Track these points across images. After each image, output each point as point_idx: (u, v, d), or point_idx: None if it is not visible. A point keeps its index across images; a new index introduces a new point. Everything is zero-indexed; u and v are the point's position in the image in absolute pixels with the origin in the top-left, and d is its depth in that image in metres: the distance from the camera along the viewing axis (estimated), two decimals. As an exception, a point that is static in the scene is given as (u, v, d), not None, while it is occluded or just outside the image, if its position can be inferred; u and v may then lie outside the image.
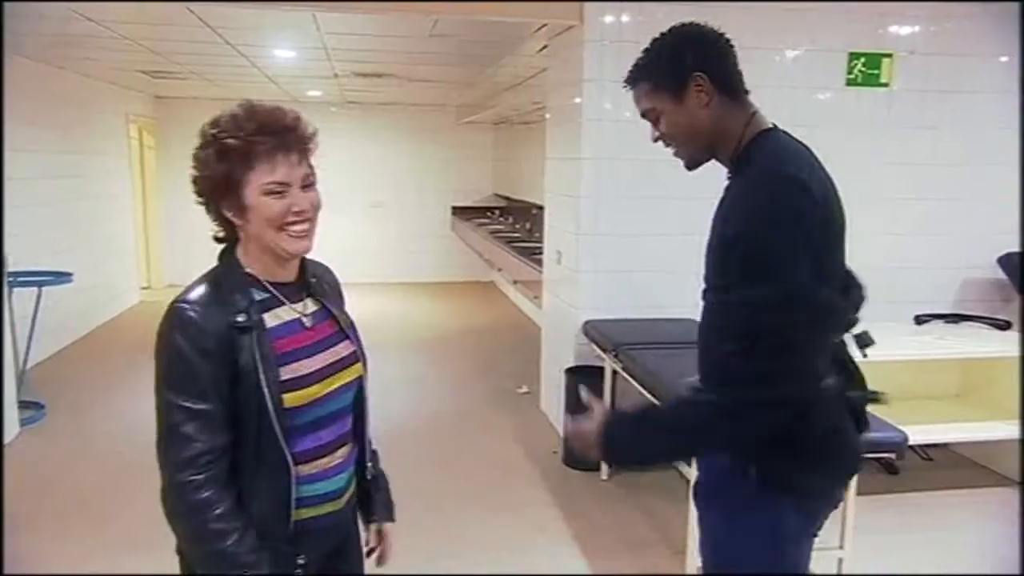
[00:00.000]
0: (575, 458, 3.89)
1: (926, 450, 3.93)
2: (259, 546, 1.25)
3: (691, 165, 1.58)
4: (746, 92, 1.51)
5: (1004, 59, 4.21)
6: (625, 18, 3.83)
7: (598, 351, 3.77)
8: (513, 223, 8.41)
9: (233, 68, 6.14)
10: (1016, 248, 4.17)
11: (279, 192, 1.27)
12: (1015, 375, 3.71)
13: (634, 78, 1.55)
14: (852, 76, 4.04)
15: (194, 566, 1.30)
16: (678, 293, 3.98)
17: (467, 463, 4.03)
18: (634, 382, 3.28)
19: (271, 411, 1.25)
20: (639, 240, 4.01)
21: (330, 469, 1.38)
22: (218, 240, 1.36)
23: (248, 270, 1.32)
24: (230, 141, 1.24)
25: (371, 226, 9.47)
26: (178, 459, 1.22)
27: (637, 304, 3.98)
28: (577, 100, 3.94)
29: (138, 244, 8.34)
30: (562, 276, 4.31)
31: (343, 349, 1.40)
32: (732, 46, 1.50)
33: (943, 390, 4.06)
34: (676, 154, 1.58)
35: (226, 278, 1.31)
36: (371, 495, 1.53)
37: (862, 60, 4.03)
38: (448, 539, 3.16)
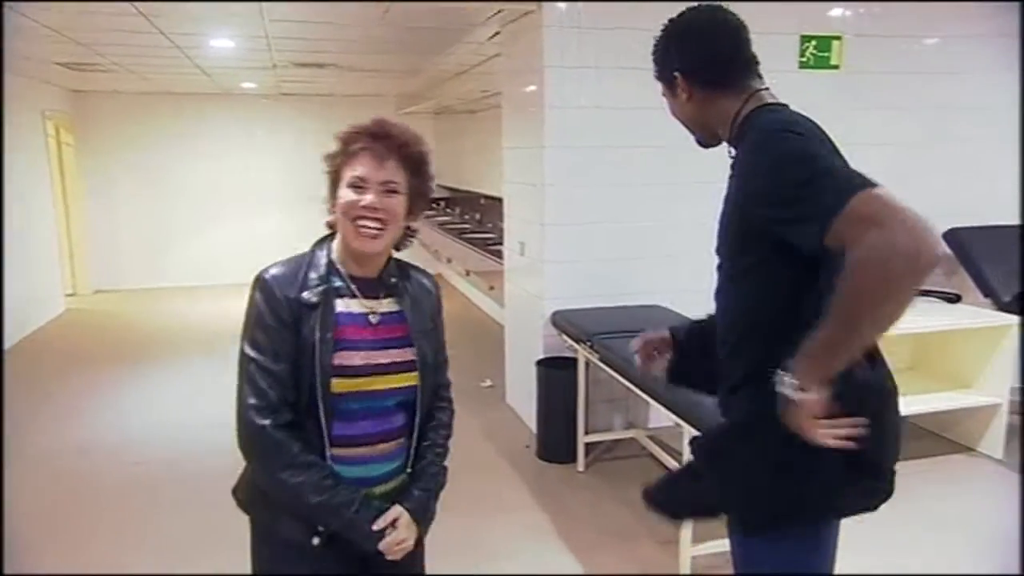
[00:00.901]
0: (550, 451, 3.85)
1: (885, 422, 4.05)
2: (329, 480, 1.39)
3: (702, 145, 1.64)
4: (749, 73, 1.50)
5: (930, 41, 4.35)
6: (582, 3, 3.77)
7: (570, 341, 3.73)
8: (461, 214, 8.30)
9: (163, 60, 5.78)
10: (961, 224, 4.34)
11: (359, 187, 1.41)
12: (965, 346, 3.87)
13: (653, 64, 1.64)
14: (804, 59, 4.10)
15: (265, 502, 1.45)
16: (646, 280, 3.98)
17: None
18: (612, 371, 3.24)
19: (319, 390, 1.37)
20: (605, 228, 3.97)
21: (370, 459, 1.47)
22: (329, 227, 1.50)
23: (332, 258, 1.46)
24: (343, 138, 1.44)
25: (308, 220, 9.04)
26: (256, 406, 1.36)
27: (605, 292, 3.95)
28: (537, 87, 3.86)
29: (61, 249, 7.82)
30: (526, 267, 4.24)
31: (404, 354, 1.47)
32: (733, 36, 1.51)
33: (896, 363, 4.16)
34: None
35: (309, 260, 1.46)
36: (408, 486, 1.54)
37: (813, 43, 4.10)
38: (427, 550, 3.05)
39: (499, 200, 4.97)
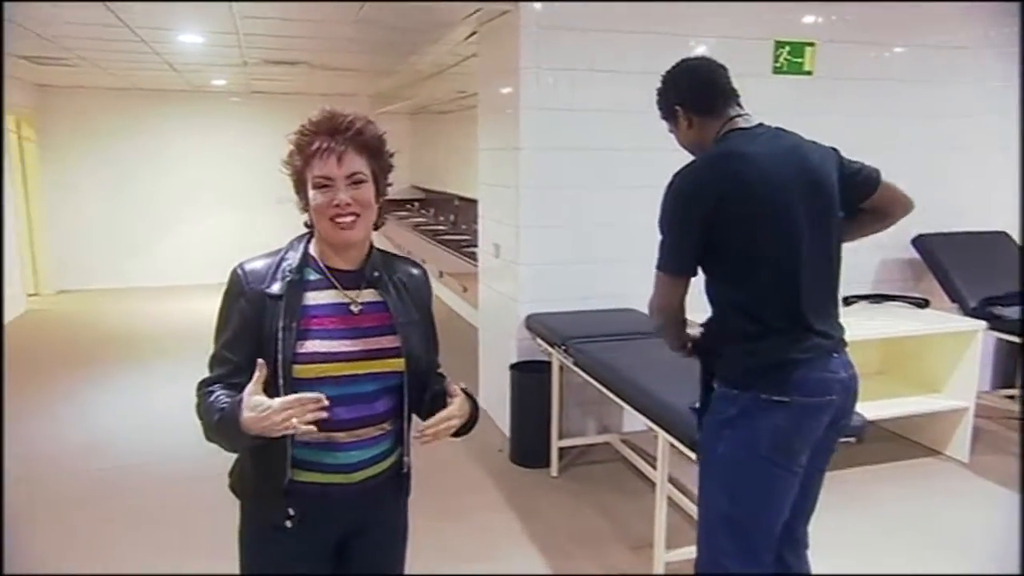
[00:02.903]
0: (523, 455, 3.82)
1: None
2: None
3: None
4: (729, 101, 1.92)
5: (899, 49, 4.41)
6: (559, 5, 3.75)
7: (544, 345, 3.70)
8: (436, 215, 8.24)
9: (130, 55, 5.65)
10: (928, 230, 4.40)
11: (325, 186, 1.43)
12: (933, 351, 3.92)
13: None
14: (778, 64, 4.13)
15: (246, 488, 1.54)
16: (621, 283, 3.97)
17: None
18: (586, 376, 3.22)
19: (280, 375, 1.40)
20: (579, 231, 3.96)
21: (344, 444, 1.48)
22: (308, 227, 1.53)
23: (311, 252, 1.50)
24: (298, 142, 1.45)
25: (277, 222, 8.96)
26: (200, 381, 1.46)
27: (580, 296, 3.93)
28: (512, 89, 3.83)
29: (22, 247, 7.61)
30: (500, 269, 4.21)
31: (387, 342, 1.50)
32: (712, 73, 1.94)
33: (866, 368, 4.17)
34: None
35: (285, 254, 1.50)
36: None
37: (787, 48, 4.12)
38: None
39: (474, 201, 4.93)
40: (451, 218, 7.70)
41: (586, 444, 3.98)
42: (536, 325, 3.78)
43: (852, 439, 2.88)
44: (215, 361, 1.47)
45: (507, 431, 4.00)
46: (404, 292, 1.56)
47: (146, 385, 5.19)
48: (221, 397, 1.41)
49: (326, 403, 1.33)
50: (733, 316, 1.86)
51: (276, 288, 1.44)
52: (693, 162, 1.88)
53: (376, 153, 1.48)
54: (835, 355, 1.86)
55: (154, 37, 4.96)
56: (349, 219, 1.43)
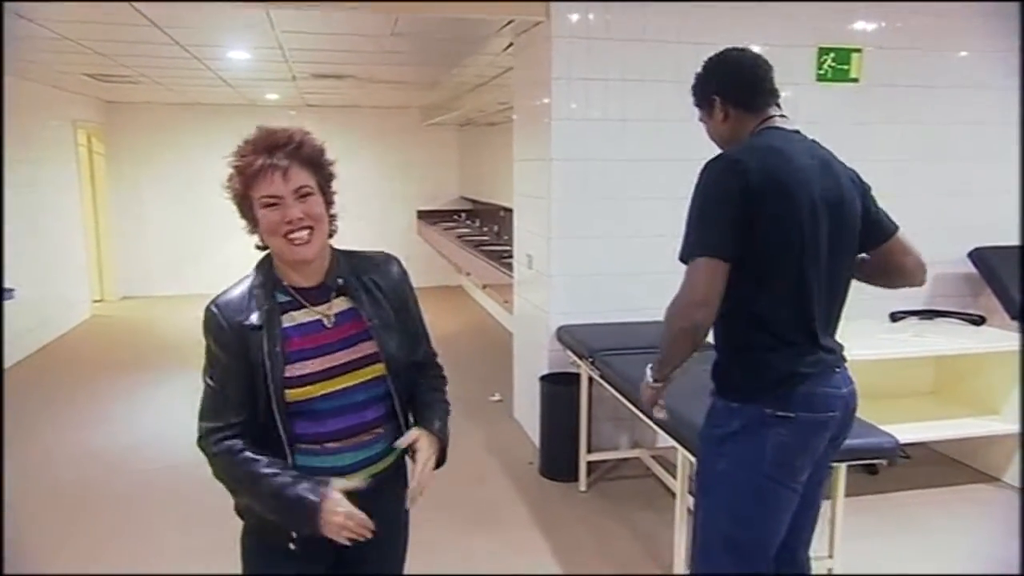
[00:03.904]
0: (552, 469, 3.77)
1: (904, 448, 3.88)
2: (285, 465, 1.44)
3: None
4: (770, 100, 1.83)
5: (964, 54, 4.21)
6: (592, 15, 3.73)
7: (573, 357, 3.65)
8: (480, 226, 8.28)
9: (186, 71, 5.89)
10: (986, 243, 4.17)
11: (273, 204, 1.41)
12: (991, 371, 3.69)
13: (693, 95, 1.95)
14: (822, 71, 3.99)
15: (257, 513, 1.48)
16: (652, 295, 3.83)
17: (439, 476, 3.86)
18: (612, 389, 3.16)
19: (274, 402, 1.41)
20: (611, 242, 3.90)
21: (337, 450, 1.49)
22: (260, 249, 1.51)
23: (276, 275, 1.49)
24: (237, 163, 1.43)
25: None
26: (206, 430, 1.45)
27: (611, 308, 3.87)
28: (545, 100, 3.81)
29: (89, 256, 7.98)
30: (533, 280, 4.18)
31: (366, 348, 1.50)
32: (756, 68, 1.84)
33: (919, 387, 4.03)
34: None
35: (254, 282, 1.48)
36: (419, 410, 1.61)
37: (832, 55, 3.99)
38: (418, 561, 2.99)
39: (515, 212, 4.92)
40: (495, 229, 7.72)
41: (617, 459, 3.90)
42: (567, 336, 3.73)
43: (882, 462, 2.76)
44: (212, 402, 1.46)
45: (538, 443, 3.95)
46: (377, 292, 1.54)
47: (197, 386, 5.34)
48: (275, 468, 1.41)
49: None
50: (741, 324, 1.76)
51: (255, 318, 1.43)
52: (728, 151, 1.77)
53: (318, 165, 1.47)
54: (837, 370, 1.79)
55: (204, 54, 5.15)
56: (304, 234, 1.42)
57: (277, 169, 1.40)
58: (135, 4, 3.55)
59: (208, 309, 1.46)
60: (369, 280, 1.55)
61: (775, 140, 1.75)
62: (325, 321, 1.48)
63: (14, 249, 5.92)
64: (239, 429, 1.44)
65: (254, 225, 1.45)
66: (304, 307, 1.48)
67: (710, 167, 1.71)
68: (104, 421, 4.73)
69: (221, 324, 1.44)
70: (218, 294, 1.48)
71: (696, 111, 1.95)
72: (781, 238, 1.68)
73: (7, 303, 4.56)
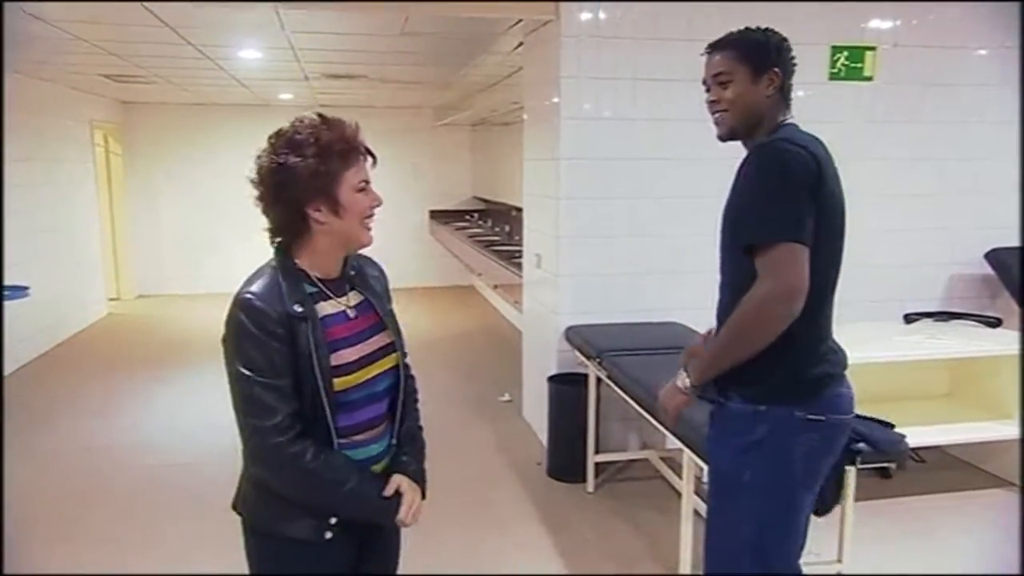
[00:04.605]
0: (560, 469, 3.76)
1: (918, 452, 3.83)
2: (349, 464, 1.47)
3: (726, 136, 1.80)
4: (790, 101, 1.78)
5: (983, 52, 4.14)
6: (603, 14, 3.70)
7: (581, 358, 3.64)
8: (492, 226, 8.27)
9: (199, 71, 5.93)
10: (1003, 244, 4.10)
11: (365, 188, 1.46)
12: (1007, 374, 3.62)
13: (722, 45, 1.79)
14: (835, 70, 3.94)
15: (268, 504, 1.47)
16: (661, 296, 3.86)
17: (447, 476, 3.82)
18: (619, 390, 3.14)
19: (323, 392, 1.40)
20: (620, 242, 3.88)
21: (370, 441, 1.53)
22: (274, 239, 1.49)
23: (302, 266, 1.47)
24: (332, 142, 1.40)
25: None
26: (265, 427, 1.37)
27: (620, 308, 3.84)
28: (555, 99, 3.80)
29: (105, 254, 8.06)
30: (542, 280, 4.17)
31: (383, 339, 1.55)
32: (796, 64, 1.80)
33: (933, 390, 3.96)
34: (717, 120, 1.79)
35: (279, 273, 1.44)
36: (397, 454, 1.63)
37: (845, 53, 3.94)
38: (425, 559, 2.98)
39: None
40: (506, 228, 7.70)
41: (625, 460, 3.88)
42: (575, 337, 3.71)
43: (892, 465, 2.71)
44: (260, 392, 1.37)
45: (546, 443, 3.94)
46: (377, 286, 1.61)
47: (210, 384, 5.37)
48: (345, 466, 1.46)
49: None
50: None
51: (298, 307, 1.41)
52: (789, 137, 1.67)
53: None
54: (844, 370, 1.77)
55: (216, 54, 5.19)
56: (373, 221, 1.49)
57: (367, 154, 1.47)
58: (145, 4, 3.57)
59: (244, 299, 1.39)
60: (368, 273, 1.61)
61: (814, 137, 1.72)
62: (349, 312, 1.51)
63: (32, 247, 6.01)
64: (298, 424, 1.40)
65: (326, 209, 1.41)
66: (330, 298, 1.49)
67: (776, 152, 1.62)
68: (115, 417, 4.77)
69: (267, 312, 1.38)
70: (243, 286, 1.43)
71: (700, 73, 1.84)
72: (828, 232, 1.65)
73: (24, 301, 4.61)
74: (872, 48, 3.97)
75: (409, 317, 7.81)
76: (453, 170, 9.56)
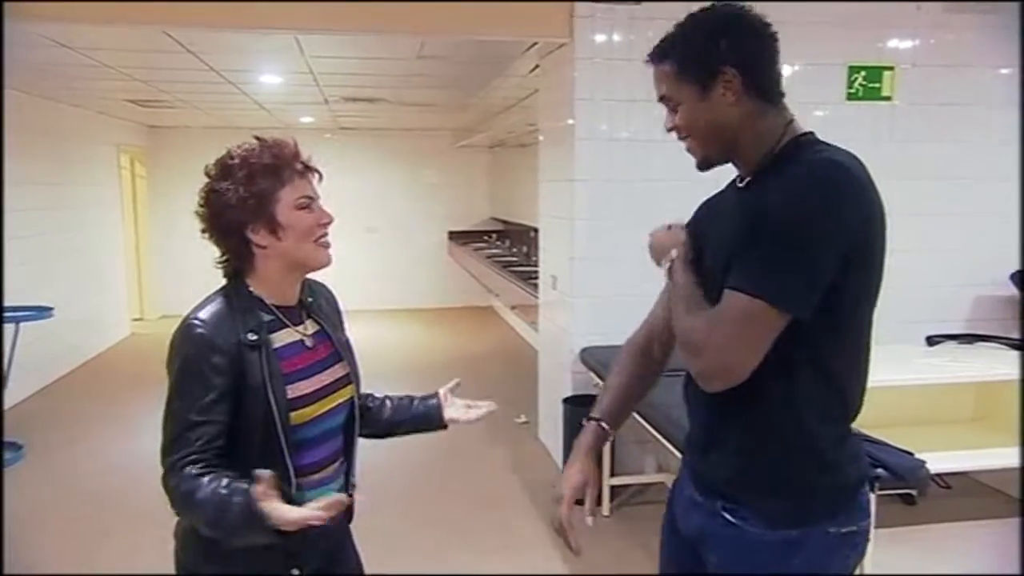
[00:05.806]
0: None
1: (944, 478, 3.73)
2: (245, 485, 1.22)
3: (703, 166, 1.38)
4: (781, 95, 1.31)
5: (1006, 71, 4.09)
6: (616, 36, 3.72)
7: (596, 379, 3.61)
8: (510, 247, 8.28)
9: (222, 96, 6.05)
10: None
11: (307, 206, 1.38)
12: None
13: (659, 55, 1.32)
14: (853, 90, 3.92)
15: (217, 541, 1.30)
16: (679, 317, 3.82)
17: (461, 499, 3.84)
18: (634, 413, 3.09)
19: (278, 427, 1.31)
20: (635, 264, 3.82)
21: (323, 480, 1.44)
22: (224, 268, 1.41)
23: (257, 293, 1.39)
24: (262, 163, 1.35)
25: (366, 252, 9.30)
26: (178, 460, 1.27)
27: (634, 330, 3.81)
28: (570, 120, 3.81)
29: (129, 275, 8.20)
30: (558, 301, 4.16)
31: (339, 370, 1.47)
32: (777, 39, 1.28)
33: (958, 414, 3.87)
34: (689, 150, 1.38)
35: (232, 300, 1.37)
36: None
37: (863, 73, 3.91)
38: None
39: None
40: (524, 249, 7.71)
41: (641, 484, 3.83)
42: (590, 359, 3.69)
43: (912, 492, 2.64)
44: (186, 428, 1.28)
45: (562, 465, 3.90)
46: (332, 312, 1.54)
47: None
48: (232, 484, 1.22)
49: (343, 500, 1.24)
50: (802, 400, 1.24)
51: (250, 336, 1.32)
52: (842, 161, 1.21)
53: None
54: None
55: (237, 78, 5.29)
56: (328, 238, 1.40)
57: (309, 171, 1.41)
58: (166, 29, 3.66)
59: (190, 326, 1.30)
60: (323, 300, 1.54)
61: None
62: (306, 341, 1.43)
63: (58, 269, 6.12)
64: (223, 461, 1.28)
65: (266, 232, 1.34)
66: (287, 327, 1.41)
67: (832, 181, 1.18)
68: (135, 435, 4.81)
69: (212, 342, 1.29)
70: (191, 312, 1.34)
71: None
72: (866, 291, 1.25)
73: (49, 321, 4.69)
74: (890, 68, 3.94)
75: (427, 338, 7.88)
76: (471, 191, 9.61)
